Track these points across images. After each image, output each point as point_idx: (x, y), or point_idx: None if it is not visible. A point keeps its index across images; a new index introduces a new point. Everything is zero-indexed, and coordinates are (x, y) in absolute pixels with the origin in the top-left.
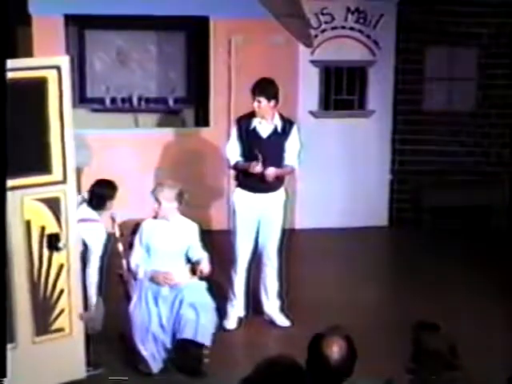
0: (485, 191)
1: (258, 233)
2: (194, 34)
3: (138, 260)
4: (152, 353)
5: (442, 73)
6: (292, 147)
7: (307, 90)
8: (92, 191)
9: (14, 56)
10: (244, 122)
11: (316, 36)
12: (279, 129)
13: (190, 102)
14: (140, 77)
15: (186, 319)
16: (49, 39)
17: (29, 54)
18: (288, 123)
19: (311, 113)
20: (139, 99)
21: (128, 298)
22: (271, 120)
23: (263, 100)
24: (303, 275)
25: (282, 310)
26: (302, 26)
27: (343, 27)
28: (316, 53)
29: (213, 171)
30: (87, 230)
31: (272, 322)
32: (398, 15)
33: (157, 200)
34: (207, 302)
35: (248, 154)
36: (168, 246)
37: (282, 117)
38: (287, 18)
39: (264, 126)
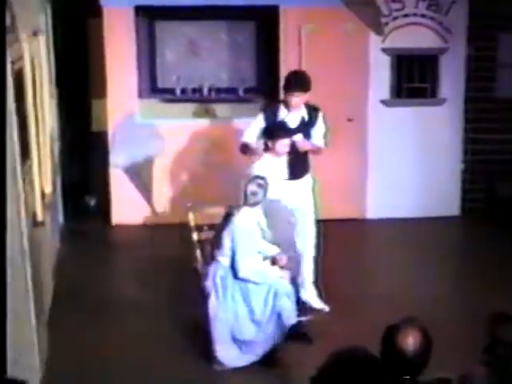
0: None
1: None
2: (263, 23)
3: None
4: (235, 356)
5: None
6: (317, 131)
7: (378, 78)
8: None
9: (86, 47)
10: (270, 113)
11: (387, 24)
12: (306, 118)
13: (260, 92)
14: (210, 67)
15: (286, 308)
16: (119, 31)
17: (100, 45)
18: (314, 111)
19: (382, 101)
20: (209, 89)
21: (202, 292)
22: (299, 110)
23: (300, 94)
24: (375, 265)
25: (320, 296)
26: (373, 13)
27: (414, 14)
28: (387, 41)
29: None
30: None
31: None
32: (469, 1)
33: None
34: (291, 290)
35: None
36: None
37: (307, 105)
38: (358, 6)
39: (292, 117)
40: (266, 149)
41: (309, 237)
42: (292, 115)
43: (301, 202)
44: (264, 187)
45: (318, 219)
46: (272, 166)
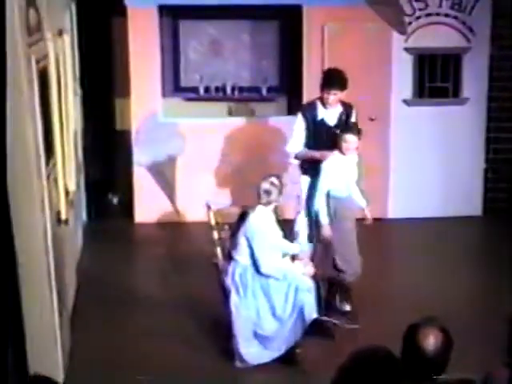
0: None
1: None
2: (286, 22)
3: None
4: (258, 352)
5: None
6: None
7: (401, 77)
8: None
9: (110, 46)
10: (309, 113)
11: (410, 23)
12: (344, 115)
13: (282, 91)
14: (233, 66)
15: (307, 303)
16: (143, 30)
17: (124, 44)
18: (349, 108)
19: (405, 101)
20: (232, 88)
21: (223, 288)
22: (335, 108)
23: (338, 92)
24: (396, 265)
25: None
26: (396, 12)
27: (438, 14)
28: (410, 40)
29: None
30: None
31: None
32: (493, 0)
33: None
34: (312, 286)
35: (314, 143)
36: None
37: (342, 103)
38: (381, 5)
39: (330, 115)
40: (335, 147)
41: None
42: (330, 112)
43: None
44: (278, 186)
45: None
46: (340, 163)
